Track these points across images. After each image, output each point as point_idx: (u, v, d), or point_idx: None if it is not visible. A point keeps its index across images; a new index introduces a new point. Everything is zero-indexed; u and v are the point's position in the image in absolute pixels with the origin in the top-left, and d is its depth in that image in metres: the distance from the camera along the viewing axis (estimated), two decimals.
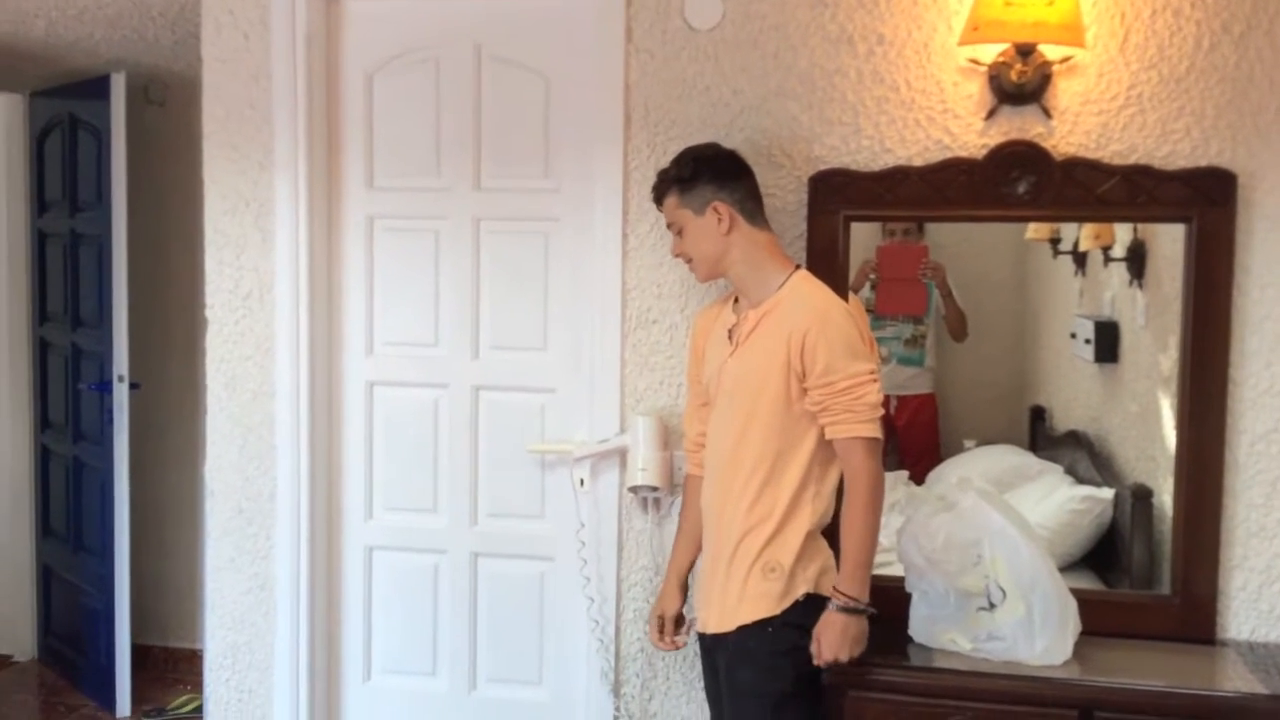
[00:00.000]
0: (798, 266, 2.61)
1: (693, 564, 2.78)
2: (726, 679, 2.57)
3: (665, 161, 2.86)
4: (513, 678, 3.26)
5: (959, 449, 3.14)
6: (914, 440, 3.20)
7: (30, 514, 4.76)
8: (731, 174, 2.59)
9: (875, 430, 2.46)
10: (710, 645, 2.62)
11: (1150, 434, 2.90)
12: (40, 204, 4.60)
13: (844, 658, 2.46)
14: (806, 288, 2.55)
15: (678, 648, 2.84)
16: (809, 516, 2.52)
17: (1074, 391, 3.13)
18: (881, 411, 2.48)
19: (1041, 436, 3.14)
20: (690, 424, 2.81)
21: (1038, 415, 3.16)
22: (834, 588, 2.48)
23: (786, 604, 2.50)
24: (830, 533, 2.56)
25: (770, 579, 2.50)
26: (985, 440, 3.15)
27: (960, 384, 3.21)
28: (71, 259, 4.40)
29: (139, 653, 4.40)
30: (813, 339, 2.44)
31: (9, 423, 4.76)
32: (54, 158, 4.47)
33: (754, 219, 2.59)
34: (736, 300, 2.65)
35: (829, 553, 2.56)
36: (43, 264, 4.62)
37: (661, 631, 2.79)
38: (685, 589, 2.80)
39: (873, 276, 3.02)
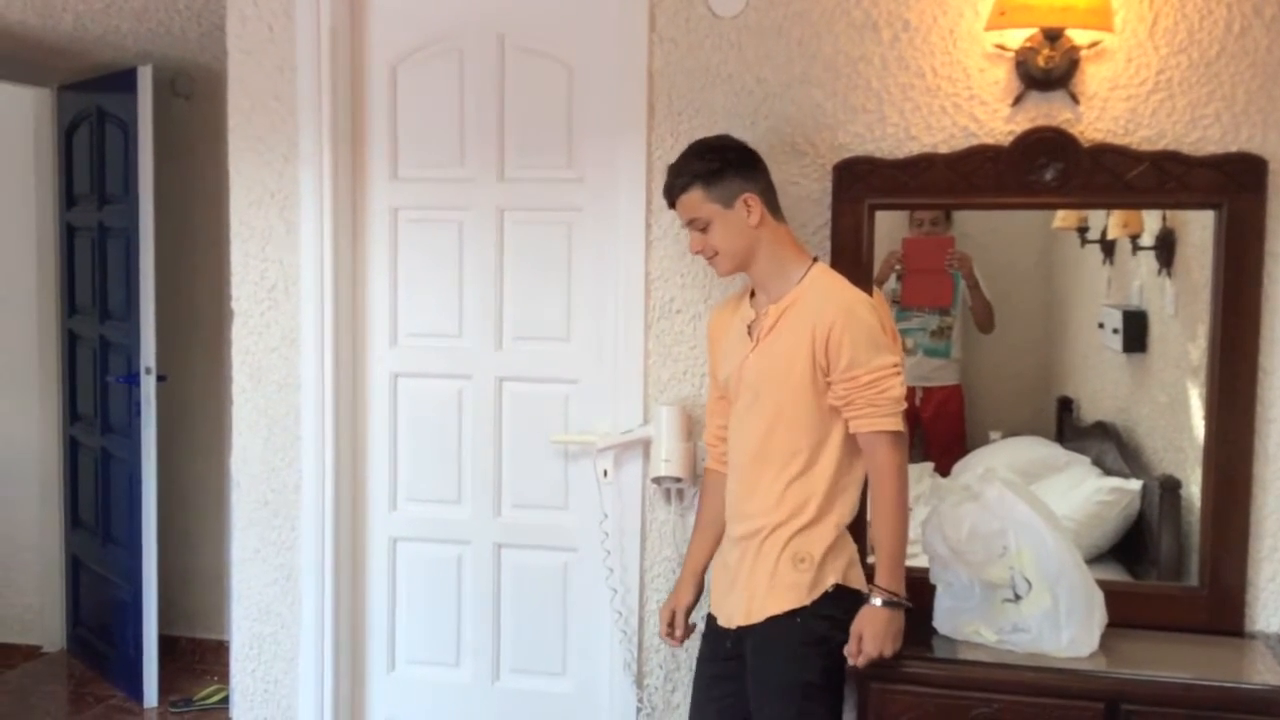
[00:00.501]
0: (815, 259, 2.59)
1: (709, 560, 2.76)
2: (755, 671, 2.55)
3: None
4: (536, 669, 3.26)
5: (985, 440, 3.12)
6: (940, 432, 3.19)
7: (59, 505, 4.80)
8: (755, 165, 2.57)
9: (898, 424, 2.45)
10: (735, 638, 2.59)
11: (1179, 424, 2.87)
12: (69, 197, 4.63)
13: (888, 653, 2.45)
14: (827, 280, 2.54)
15: (681, 643, 2.81)
16: (838, 509, 2.51)
17: (1101, 382, 3.10)
18: (905, 405, 2.47)
19: (1069, 427, 3.12)
20: (710, 418, 2.80)
21: (1065, 406, 3.14)
22: (873, 583, 2.46)
23: (816, 595, 2.49)
24: (853, 525, 2.55)
25: (800, 569, 2.49)
26: (1011, 431, 3.14)
27: (986, 375, 3.19)
28: (99, 252, 4.43)
29: (166, 643, 4.43)
30: (837, 333, 2.42)
31: (38, 415, 4.80)
32: (82, 151, 4.50)
33: (776, 211, 2.58)
34: (753, 295, 2.63)
35: (854, 546, 2.55)
36: (71, 257, 4.65)
37: (672, 625, 2.77)
38: (701, 585, 2.78)
39: (898, 268, 3.00)
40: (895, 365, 2.45)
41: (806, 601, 2.48)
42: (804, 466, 2.49)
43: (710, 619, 2.68)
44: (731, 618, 2.58)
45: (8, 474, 4.83)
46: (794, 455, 2.50)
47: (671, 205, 2.61)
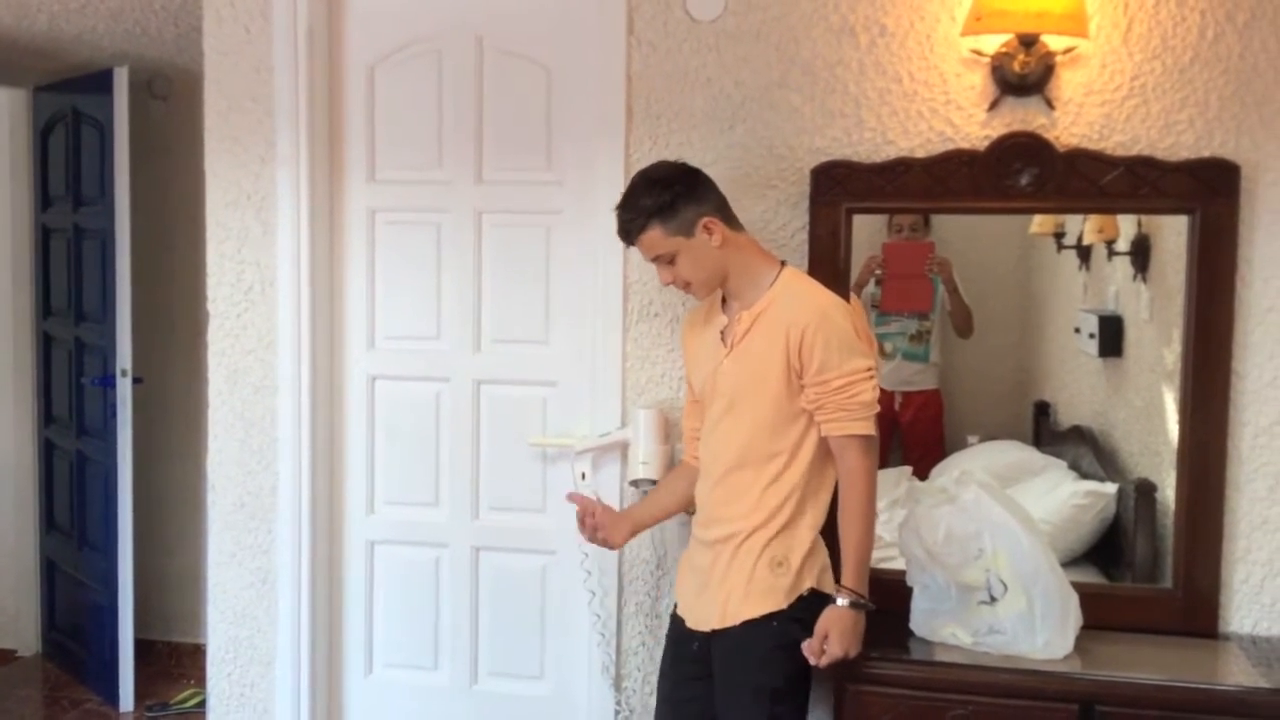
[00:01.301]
0: (783, 263, 2.59)
1: (649, 519, 2.82)
2: (724, 674, 2.55)
3: (668, 154, 2.86)
4: (514, 672, 3.25)
5: (963, 444, 3.13)
6: (918, 436, 3.20)
7: (34, 508, 4.77)
8: (703, 185, 2.54)
9: (869, 428, 2.46)
10: (703, 641, 2.58)
11: (1154, 428, 2.89)
12: (44, 199, 4.60)
13: (851, 653, 2.45)
14: (800, 284, 2.53)
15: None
16: (812, 512, 2.52)
17: (1078, 386, 3.12)
18: (877, 409, 2.47)
19: (1045, 432, 3.13)
20: (686, 419, 2.81)
21: (1041, 410, 3.15)
22: (840, 584, 2.47)
23: (792, 599, 2.49)
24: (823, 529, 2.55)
25: (778, 573, 2.49)
26: (989, 435, 3.14)
27: (964, 379, 3.20)
28: (75, 254, 4.41)
29: (142, 647, 4.41)
30: (810, 336, 2.42)
31: (12, 417, 4.76)
32: (58, 152, 4.47)
33: (734, 224, 2.55)
34: (725, 301, 2.63)
35: (826, 550, 2.56)
36: (46, 259, 4.62)
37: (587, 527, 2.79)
38: (633, 534, 2.82)
39: (878, 273, 3.01)
40: (868, 369, 2.45)
41: (784, 605, 2.49)
42: (780, 469, 2.50)
43: (676, 621, 2.68)
44: (704, 621, 2.57)
45: None
46: (771, 458, 2.50)
47: (629, 244, 2.58)
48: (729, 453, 2.54)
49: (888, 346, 3.14)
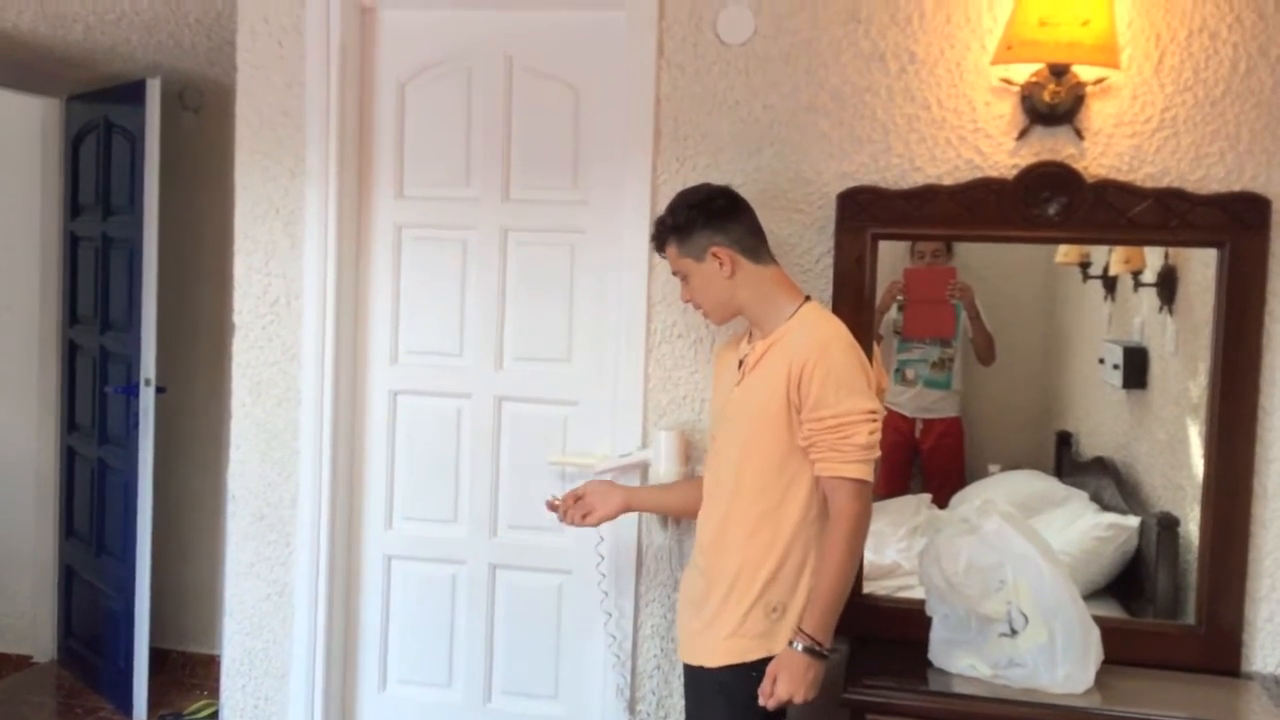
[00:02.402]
0: (807, 298, 2.56)
1: (649, 506, 2.88)
2: (695, 711, 2.55)
3: (694, 176, 2.88)
4: (528, 691, 3.24)
5: (984, 473, 3.12)
6: (938, 464, 3.19)
7: (54, 515, 4.78)
8: (727, 215, 2.53)
9: (862, 472, 2.39)
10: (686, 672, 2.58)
11: (1178, 462, 2.87)
12: (74, 207, 4.63)
13: (798, 699, 2.39)
14: (814, 317, 2.50)
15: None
16: (807, 553, 2.46)
17: (1101, 417, 3.10)
18: (876, 454, 2.41)
19: (1067, 462, 3.12)
20: None
21: (1064, 441, 3.14)
22: (799, 627, 2.41)
23: (778, 647, 2.44)
24: None
25: (772, 619, 2.46)
26: (1010, 465, 3.13)
27: (987, 407, 3.19)
28: (102, 262, 4.43)
29: (157, 657, 4.40)
30: (809, 370, 2.39)
31: (36, 423, 4.78)
32: (88, 162, 4.50)
33: (757, 256, 2.53)
34: (752, 333, 2.61)
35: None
36: (74, 267, 4.65)
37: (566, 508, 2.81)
38: (625, 508, 2.82)
39: (900, 298, 3.00)
40: (869, 412, 2.39)
41: (773, 652, 2.44)
42: (778, 504, 2.45)
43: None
44: (691, 653, 2.55)
45: (4, 482, 4.81)
46: (761, 490, 2.46)
47: (659, 253, 2.65)
48: (729, 480, 2.51)
49: (909, 373, 3.14)
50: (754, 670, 2.44)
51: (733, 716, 2.48)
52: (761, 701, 2.41)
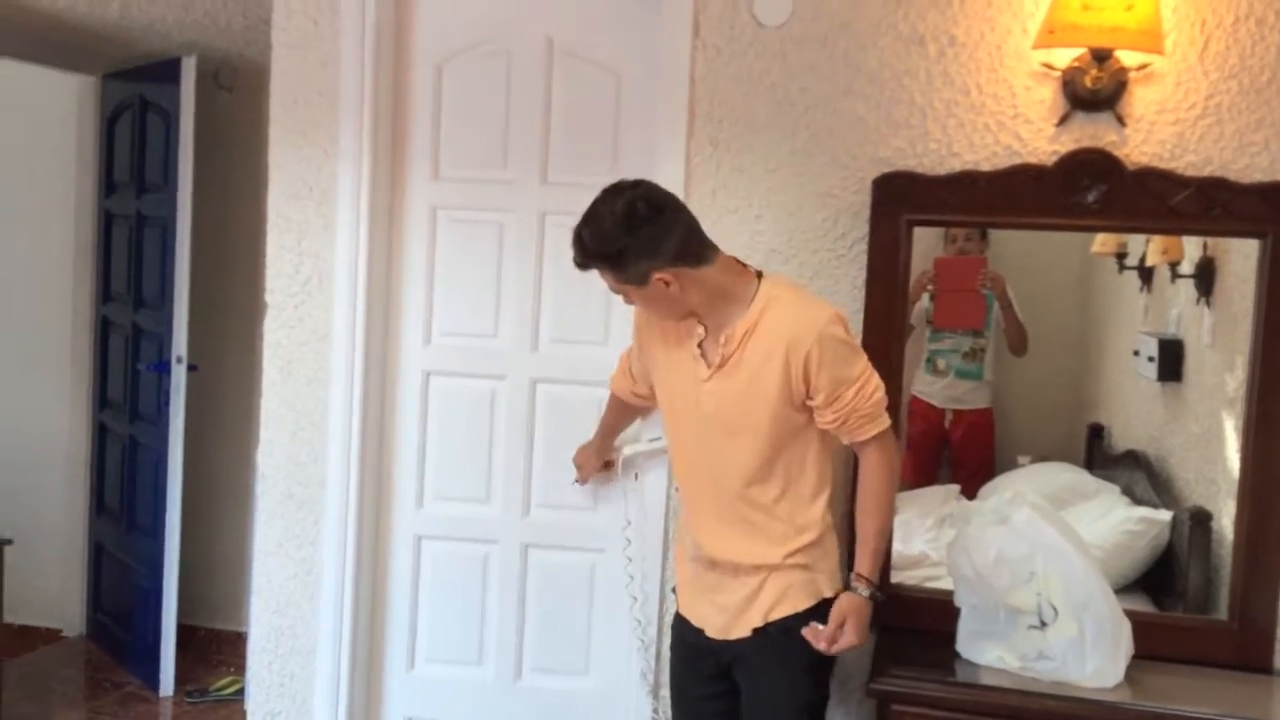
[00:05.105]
0: (759, 273, 2.47)
1: (612, 439, 3.03)
2: (755, 689, 2.52)
3: (728, 160, 2.86)
4: (559, 667, 3.25)
5: (1013, 464, 3.09)
6: (969, 455, 3.16)
7: (85, 491, 4.82)
8: (659, 235, 2.32)
9: (886, 420, 2.46)
10: (719, 655, 2.56)
11: (1212, 456, 2.83)
12: (109, 185, 4.66)
13: (858, 644, 2.45)
14: (787, 296, 2.43)
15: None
16: (826, 515, 2.50)
17: (1135, 410, 3.07)
18: (886, 400, 2.46)
19: (1099, 455, 3.09)
20: (621, 361, 2.88)
21: (1096, 433, 3.10)
22: (858, 574, 2.45)
23: (813, 603, 2.47)
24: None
25: (801, 574, 2.47)
26: (1041, 456, 3.10)
27: (1018, 398, 3.16)
28: (136, 240, 4.46)
29: (185, 633, 4.44)
30: (814, 361, 2.36)
31: (69, 400, 4.83)
32: (124, 139, 4.53)
33: (699, 260, 2.38)
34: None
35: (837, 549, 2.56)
36: (108, 244, 4.68)
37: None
38: (602, 456, 3.05)
39: (930, 287, 2.97)
40: (867, 365, 2.43)
41: (808, 606, 2.46)
42: (792, 482, 2.46)
43: (686, 634, 2.63)
44: (727, 629, 2.52)
45: (37, 457, 4.85)
46: (781, 473, 2.46)
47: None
48: (737, 476, 2.47)
49: (941, 363, 3.12)
50: (797, 621, 2.46)
51: (793, 686, 2.49)
52: (823, 646, 2.43)
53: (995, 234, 2.99)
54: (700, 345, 2.47)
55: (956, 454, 3.17)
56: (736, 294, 2.43)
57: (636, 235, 2.32)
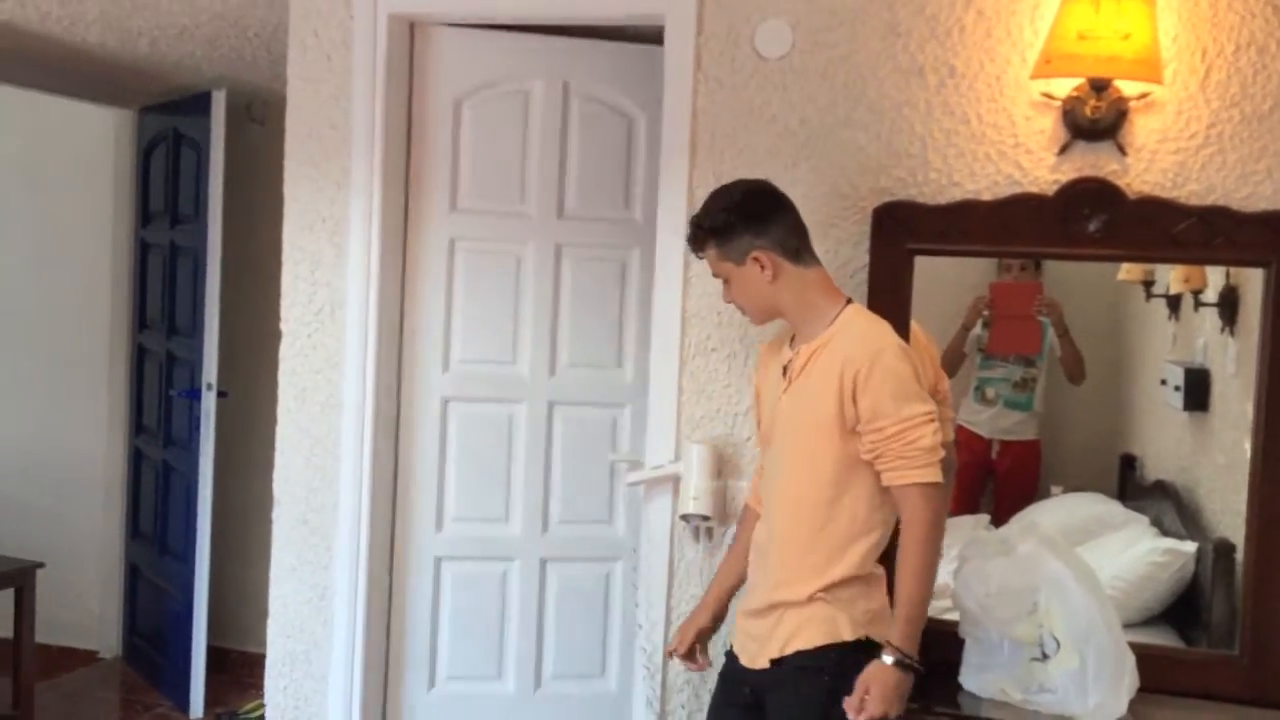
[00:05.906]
0: (849, 300, 2.51)
1: (734, 588, 2.70)
2: (775, 713, 2.48)
3: None
4: (578, 673, 3.32)
5: (1047, 494, 3.05)
6: (1013, 487, 3.12)
7: (121, 515, 4.91)
8: (767, 216, 2.45)
9: (933, 475, 2.33)
10: (753, 685, 2.51)
11: (1237, 486, 2.77)
12: (145, 215, 4.77)
13: (892, 715, 2.33)
14: (860, 321, 2.44)
15: (702, 669, 2.74)
16: (868, 558, 2.42)
17: (1164, 440, 3.03)
18: (941, 454, 2.35)
19: (1131, 485, 3.05)
20: (754, 481, 2.76)
21: (1128, 463, 3.06)
22: (888, 641, 2.35)
23: (826, 642, 2.40)
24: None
25: (828, 608, 2.40)
26: (1074, 487, 3.07)
27: (1054, 429, 3.13)
28: (170, 269, 4.55)
29: (217, 656, 4.50)
30: (862, 380, 2.33)
31: (106, 425, 4.93)
32: (158, 171, 4.63)
33: (799, 257, 2.46)
34: (794, 336, 2.55)
35: (885, 597, 2.45)
36: (144, 273, 4.78)
37: (692, 651, 2.69)
38: (723, 613, 2.70)
39: (986, 313, 2.94)
40: (926, 414, 2.34)
41: (832, 641, 2.39)
42: (825, 520, 2.40)
43: (730, 659, 2.60)
44: (756, 658, 2.49)
45: (75, 481, 4.96)
46: (815, 508, 2.41)
47: (697, 255, 2.56)
48: (786, 498, 2.46)
49: (990, 392, 3.08)
50: (824, 671, 2.39)
51: (811, 703, 2.41)
52: (851, 715, 2.33)
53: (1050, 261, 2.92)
54: (786, 366, 2.51)
55: (1001, 485, 3.13)
56: (822, 310, 2.45)
57: (743, 212, 2.44)
